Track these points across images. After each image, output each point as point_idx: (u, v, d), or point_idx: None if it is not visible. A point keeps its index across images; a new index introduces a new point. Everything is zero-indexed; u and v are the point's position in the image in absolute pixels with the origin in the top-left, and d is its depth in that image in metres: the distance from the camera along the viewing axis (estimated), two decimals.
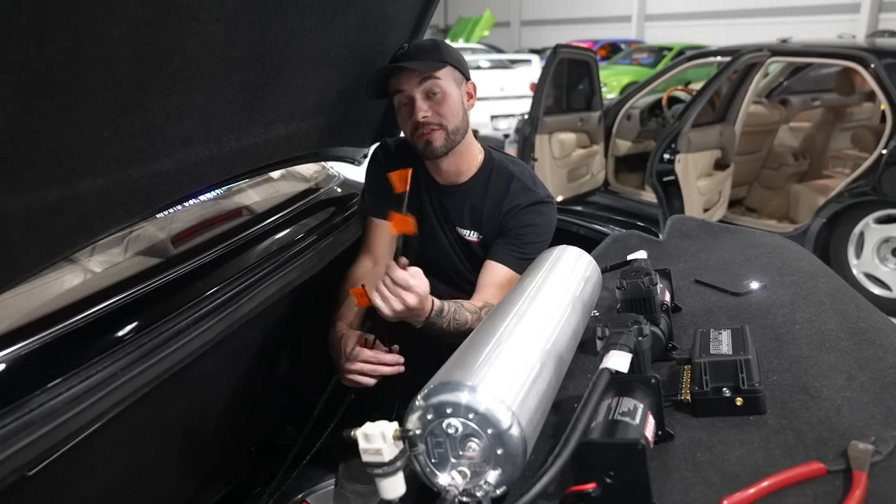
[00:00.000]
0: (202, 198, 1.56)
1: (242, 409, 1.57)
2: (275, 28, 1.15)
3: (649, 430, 0.86)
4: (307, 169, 2.03)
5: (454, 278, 1.72)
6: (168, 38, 0.92)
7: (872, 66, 3.65)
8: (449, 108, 1.52)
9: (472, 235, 1.66)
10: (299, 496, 1.61)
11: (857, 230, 3.62)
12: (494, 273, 1.59)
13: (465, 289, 1.71)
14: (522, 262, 1.54)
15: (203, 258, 1.34)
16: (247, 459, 1.69)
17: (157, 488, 1.34)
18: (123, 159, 0.96)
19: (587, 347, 1.21)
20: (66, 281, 1.14)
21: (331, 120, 1.58)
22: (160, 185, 1.06)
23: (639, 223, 1.95)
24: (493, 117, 8.40)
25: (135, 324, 1.11)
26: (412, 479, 0.83)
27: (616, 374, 0.89)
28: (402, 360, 1.42)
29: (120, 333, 1.08)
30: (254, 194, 1.76)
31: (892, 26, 12.43)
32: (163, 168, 1.04)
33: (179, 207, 1.43)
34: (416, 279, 1.27)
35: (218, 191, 1.60)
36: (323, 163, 2.08)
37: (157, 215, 1.35)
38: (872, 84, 3.68)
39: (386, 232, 1.67)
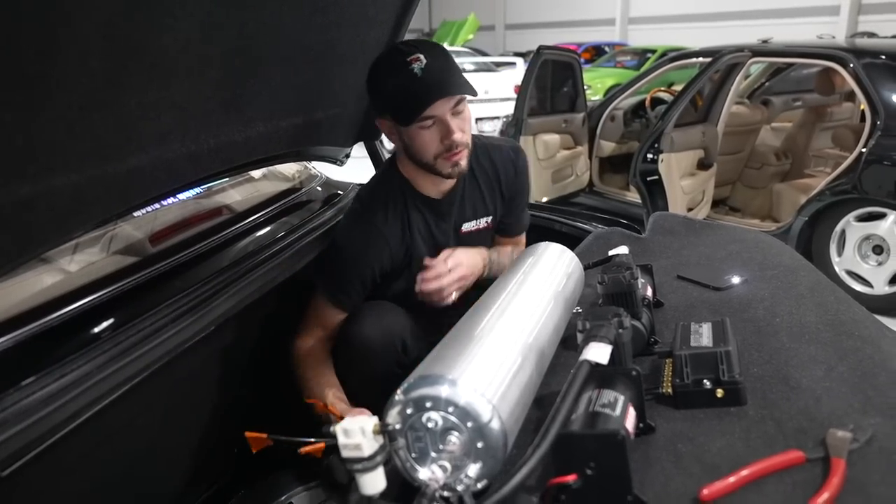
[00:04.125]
0: (181, 197, 1.54)
1: (225, 409, 1.55)
2: (252, 25, 1.14)
3: (630, 422, 0.86)
4: (288, 168, 2.02)
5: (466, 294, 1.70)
6: (142, 33, 0.92)
7: (851, 65, 3.69)
8: (470, 126, 1.49)
9: (480, 223, 1.65)
10: (283, 497, 1.60)
11: (838, 228, 3.64)
12: (518, 237, 1.76)
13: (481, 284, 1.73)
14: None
15: (182, 257, 1.32)
16: (230, 461, 1.67)
17: (138, 490, 1.33)
18: (98, 155, 0.95)
19: (570, 343, 1.21)
20: (41, 279, 1.12)
21: (312, 118, 1.58)
22: (136, 182, 1.05)
23: (623, 221, 1.95)
24: (477, 120, 8.42)
25: (111, 322, 1.09)
26: (393, 474, 0.83)
27: (596, 366, 0.89)
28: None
29: (95, 331, 1.07)
30: (234, 193, 1.75)
31: (872, 28, 12.61)
32: (139, 164, 1.03)
33: (157, 206, 1.41)
34: (451, 260, 1.45)
35: (197, 190, 1.59)
36: (305, 162, 2.07)
37: (135, 214, 1.34)
38: (852, 84, 3.71)
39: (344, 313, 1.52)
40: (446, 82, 1.39)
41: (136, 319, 1.12)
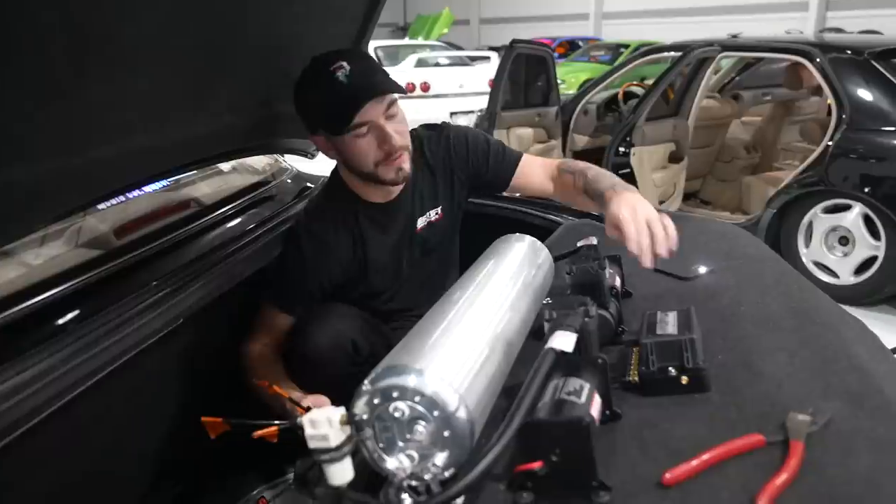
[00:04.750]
0: (148, 189, 1.52)
1: (195, 405, 1.53)
2: (217, 16, 1.13)
3: (595, 409, 0.86)
4: (258, 161, 2.00)
5: (438, 283, 1.65)
6: (103, 23, 0.90)
7: (818, 60, 3.75)
8: (406, 127, 1.45)
9: (431, 216, 1.60)
10: (255, 492, 1.59)
11: (805, 220, 3.71)
12: (526, 168, 1.62)
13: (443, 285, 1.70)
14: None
15: (148, 250, 1.31)
16: (201, 456, 1.66)
17: (106, 487, 1.31)
18: (59, 146, 0.93)
19: (539, 334, 1.22)
20: (2, 272, 1.10)
21: (280, 111, 1.56)
22: (100, 174, 1.04)
23: (595, 213, 1.96)
24: (452, 114, 8.40)
25: (73, 315, 1.08)
26: (362, 465, 0.83)
27: (562, 355, 0.90)
28: None
29: (58, 324, 1.05)
30: (203, 187, 1.73)
31: (839, 24, 12.83)
32: (101, 156, 1.02)
33: (123, 199, 1.39)
34: (626, 211, 1.21)
35: (164, 182, 1.57)
36: (275, 155, 2.05)
37: (101, 207, 1.32)
38: (818, 78, 3.77)
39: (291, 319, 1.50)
40: (373, 83, 1.36)
41: (100, 313, 1.10)
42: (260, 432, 0.94)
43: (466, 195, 1.67)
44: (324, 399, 1.24)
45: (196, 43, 1.12)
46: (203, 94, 1.22)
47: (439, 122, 1.66)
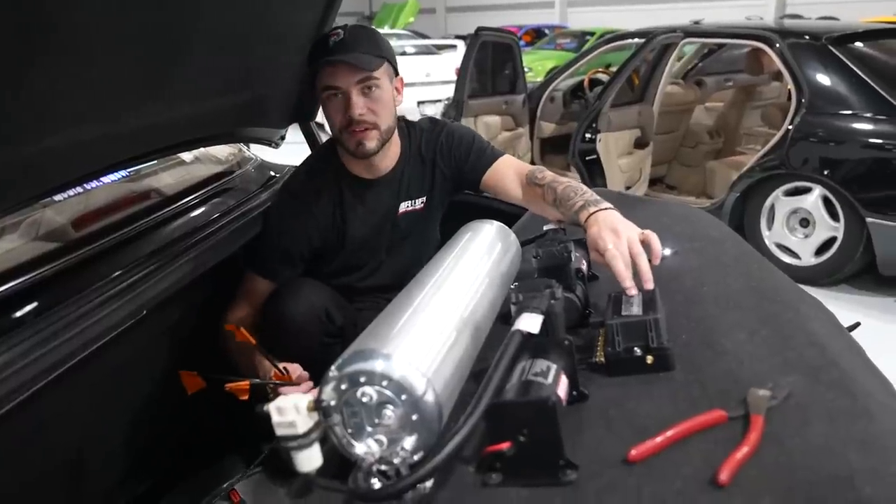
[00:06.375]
0: (108, 180, 1.49)
1: (164, 398, 1.52)
2: (171, 2, 1.10)
3: (562, 389, 0.87)
4: (221, 151, 1.97)
5: (412, 270, 1.66)
6: (51, 10, 0.88)
7: (777, 45, 3.81)
8: (384, 107, 1.48)
9: (416, 203, 1.65)
10: (226, 484, 1.58)
11: (768, 203, 3.77)
12: (501, 168, 1.61)
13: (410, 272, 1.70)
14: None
15: (107, 241, 1.28)
16: (170, 451, 1.64)
17: (73, 485, 1.29)
18: (9, 136, 0.91)
19: (507, 318, 1.22)
20: None
21: (241, 99, 1.54)
22: (52, 165, 1.01)
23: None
24: (419, 103, 8.38)
25: (32, 307, 1.05)
26: (332, 451, 0.82)
27: (529, 337, 0.90)
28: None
29: (15, 317, 1.02)
30: (165, 177, 1.70)
31: (798, 10, 13.07)
32: (54, 146, 0.99)
33: (82, 190, 1.36)
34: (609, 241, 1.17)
35: (124, 173, 1.54)
36: (240, 145, 2.02)
37: (59, 198, 1.29)
38: (778, 63, 3.83)
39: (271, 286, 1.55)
40: (349, 53, 1.42)
41: (60, 305, 1.08)
42: (231, 385, 0.94)
43: (450, 190, 1.70)
44: (296, 366, 1.29)
45: (150, 28, 1.09)
46: (159, 82, 1.19)
47: (426, 115, 1.75)
